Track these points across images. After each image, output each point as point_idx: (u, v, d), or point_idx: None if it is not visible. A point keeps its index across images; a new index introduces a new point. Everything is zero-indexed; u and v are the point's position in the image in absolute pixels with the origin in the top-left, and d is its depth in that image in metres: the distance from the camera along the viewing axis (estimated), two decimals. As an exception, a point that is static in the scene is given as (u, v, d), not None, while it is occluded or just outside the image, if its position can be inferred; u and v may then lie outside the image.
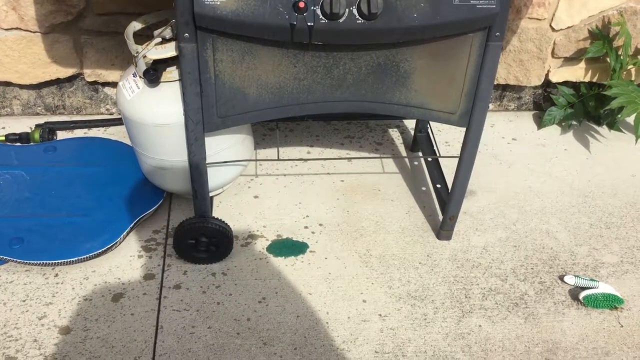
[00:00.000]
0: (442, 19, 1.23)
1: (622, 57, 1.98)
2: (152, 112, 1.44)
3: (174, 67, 1.42)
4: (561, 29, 1.98)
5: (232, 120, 1.38)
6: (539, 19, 1.95)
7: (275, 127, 2.02)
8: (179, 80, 1.41)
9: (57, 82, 1.97)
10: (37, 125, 1.93)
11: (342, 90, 1.36)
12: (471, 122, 1.44)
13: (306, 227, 1.70)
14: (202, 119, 1.36)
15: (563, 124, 2.14)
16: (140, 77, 1.43)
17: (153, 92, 1.43)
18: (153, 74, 1.39)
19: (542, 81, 2.10)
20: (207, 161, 1.45)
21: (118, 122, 2.00)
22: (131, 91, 1.46)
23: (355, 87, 1.36)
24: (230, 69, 1.30)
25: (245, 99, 1.35)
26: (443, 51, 1.33)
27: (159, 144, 1.50)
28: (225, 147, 1.54)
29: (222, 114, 1.36)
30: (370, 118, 2.08)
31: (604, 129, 2.14)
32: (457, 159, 1.53)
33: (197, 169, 1.45)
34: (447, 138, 2.05)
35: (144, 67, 1.40)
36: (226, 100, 1.34)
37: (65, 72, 1.94)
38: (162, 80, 1.42)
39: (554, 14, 1.95)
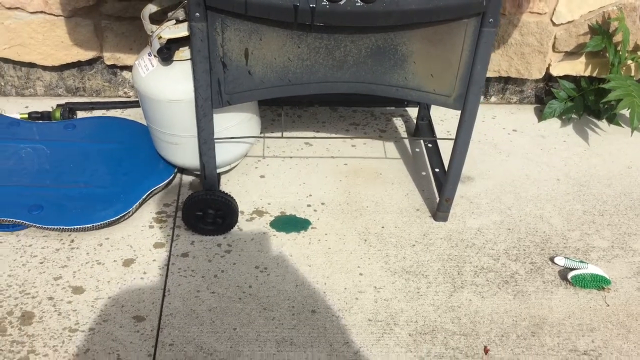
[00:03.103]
0: (437, 3, 1.31)
1: (620, 53, 2.04)
2: (165, 89, 1.53)
3: (186, 47, 1.51)
4: (562, 24, 2.04)
5: (238, 97, 1.47)
6: (540, 13, 2.02)
7: (281, 108, 2.11)
8: (191, 59, 1.50)
9: (78, 64, 2.08)
10: (59, 105, 2.04)
11: (343, 71, 1.45)
12: (466, 105, 1.51)
13: (309, 206, 1.78)
14: (210, 96, 1.45)
15: (563, 117, 2.20)
16: (154, 55, 1.53)
17: (166, 70, 1.53)
18: (166, 52, 1.49)
19: (543, 74, 2.16)
20: (215, 137, 1.54)
21: (135, 104, 2.10)
22: (146, 69, 1.55)
23: (356, 69, 1.44)
24: (238, 47, 1.38)
25: (252, 77, 1.44)
26: (439, 36, 1.40)
27: (170, 119, 1.59)
28: (233, 124, 1.63)
29: (229, 91, 1.45)
30: (373, 105, 2.16)
31: (603, 123, 2.19)
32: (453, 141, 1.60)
33: (205, 143, 1.54)
34: (448, 127, 2.12)
35: (158, 46, 1.50)
36: (233, 78, 1.43)
37: (86, 55, 2.04)
38: (174, 59, 1.52)
39: (554, 9, 2.01)
